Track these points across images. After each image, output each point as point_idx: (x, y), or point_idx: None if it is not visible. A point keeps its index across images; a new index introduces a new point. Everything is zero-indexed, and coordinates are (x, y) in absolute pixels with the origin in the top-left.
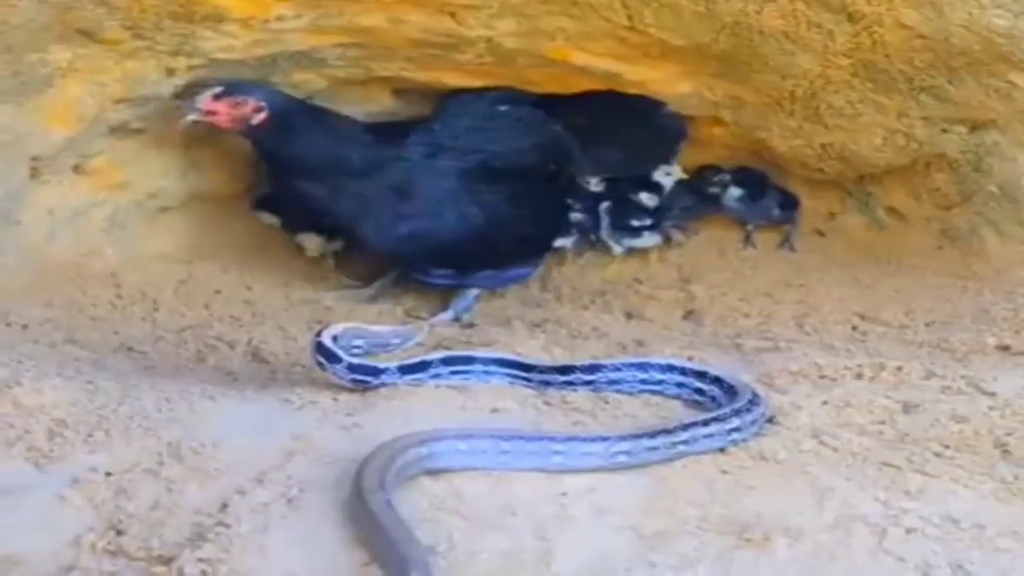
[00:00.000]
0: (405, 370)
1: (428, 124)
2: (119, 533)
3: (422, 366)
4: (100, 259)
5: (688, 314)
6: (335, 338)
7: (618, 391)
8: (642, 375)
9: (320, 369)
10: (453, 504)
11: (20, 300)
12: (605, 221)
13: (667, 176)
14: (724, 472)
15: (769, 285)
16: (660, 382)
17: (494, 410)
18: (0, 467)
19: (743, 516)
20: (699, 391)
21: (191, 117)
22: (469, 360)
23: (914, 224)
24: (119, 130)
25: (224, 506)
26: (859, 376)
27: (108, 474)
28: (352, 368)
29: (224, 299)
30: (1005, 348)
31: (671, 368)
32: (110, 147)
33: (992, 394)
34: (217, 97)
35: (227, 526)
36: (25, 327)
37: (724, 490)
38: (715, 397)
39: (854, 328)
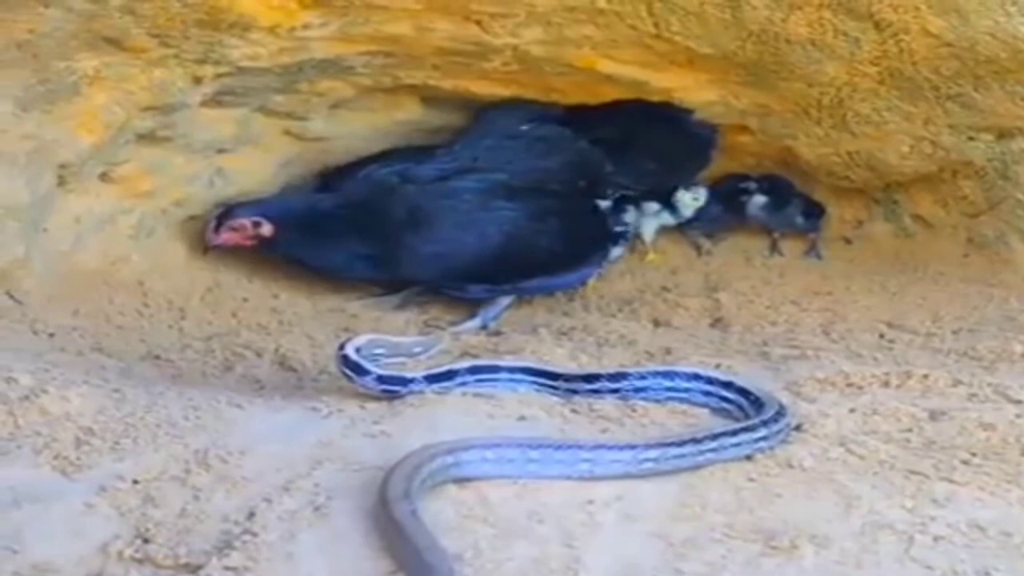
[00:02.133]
0: (432, 379)
1: (449, 146)
2: (146, 541)
3: (449, 375)
4: (127, 267)
5: (715, 322)
6: (358, 350)
7: (644, 399)
8: (668, 383)
9: (349, 382)
10: (480, 511)
11: (47, 308)
12: None
13: (693, 200)
14: (751, 480)
15: (796, 293)
16: (687, 391)
17: (521, 418)
18: (27, 475)
19: (770, 523)
20: (725, 400)
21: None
22: (495, 369)
23: (941, 232)
24: (146, 138)
25: (251, 514)
26: (886, 384)
27: (135, 482)
28: (381, 379)
29: (251, 307)
30: None
31: (697, 377)
32: (137, 155)
33: (1019, 402)
34: (217, 229)
35: (254, 534)
36: (52, 335)
37: (751, 497)
38: (742, 407)
39: (881, 336)
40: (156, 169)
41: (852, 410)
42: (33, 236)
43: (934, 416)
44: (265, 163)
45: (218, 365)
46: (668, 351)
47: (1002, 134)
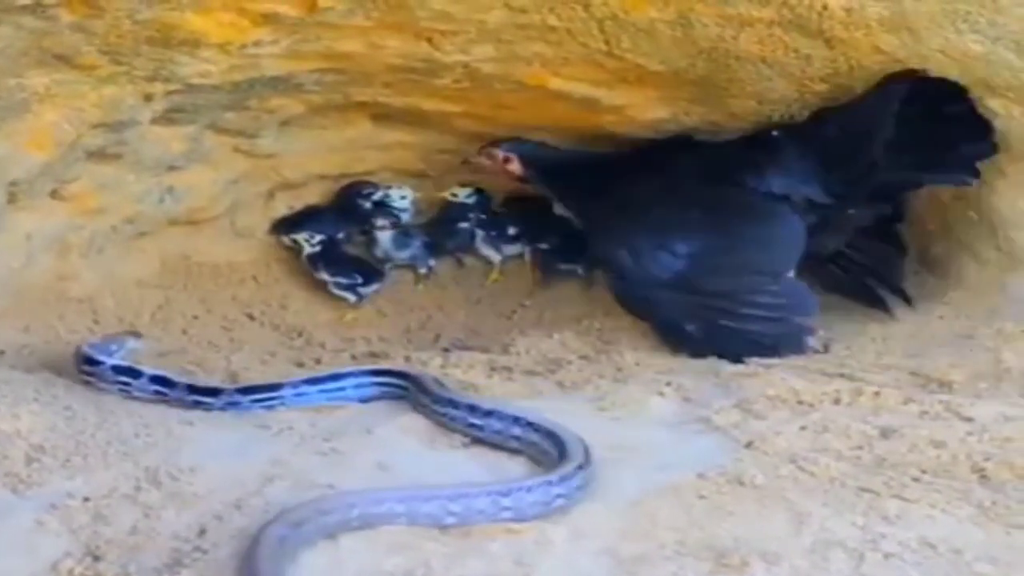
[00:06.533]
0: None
1: None
2: (96, 559)
3: None
4: (77, 284)
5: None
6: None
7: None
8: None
9: (121, 388)
10: (430, 529)
11: None
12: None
13: (402, 199)
14: (702, 496)
15: None
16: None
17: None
18: None
19: (721, 541)
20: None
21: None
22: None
23: None
24: (96, 155)
25: (202, 531)
26: (837, 401)
27: (86, 499)
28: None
29: (202, 324)
30: (983, 374)
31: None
32: (87, 172)
33: (970, 419)
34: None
35: (205, 551)
36: (2, 352)
37: (702, 515)
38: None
39: (832, 353)
40: (107, 186)
41: (803, 427)
42: None
43: (885, 433)
44: (215, 180)
45: None
46: (619, 369)
47: None
